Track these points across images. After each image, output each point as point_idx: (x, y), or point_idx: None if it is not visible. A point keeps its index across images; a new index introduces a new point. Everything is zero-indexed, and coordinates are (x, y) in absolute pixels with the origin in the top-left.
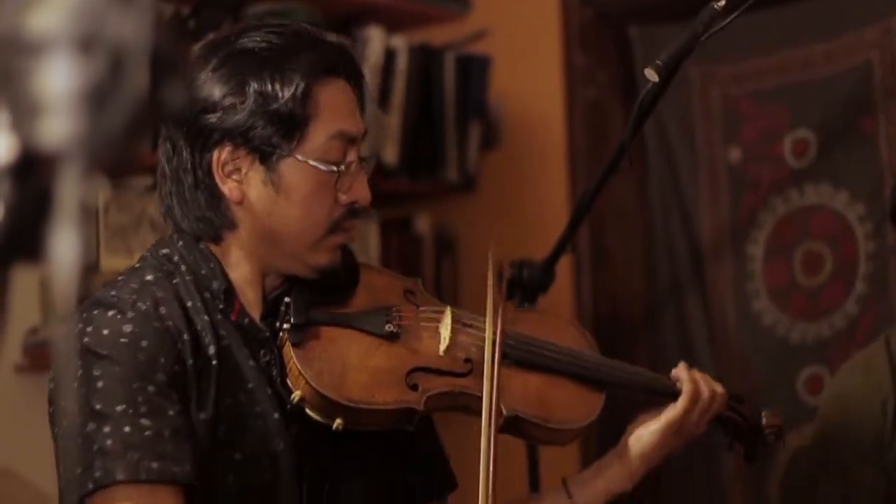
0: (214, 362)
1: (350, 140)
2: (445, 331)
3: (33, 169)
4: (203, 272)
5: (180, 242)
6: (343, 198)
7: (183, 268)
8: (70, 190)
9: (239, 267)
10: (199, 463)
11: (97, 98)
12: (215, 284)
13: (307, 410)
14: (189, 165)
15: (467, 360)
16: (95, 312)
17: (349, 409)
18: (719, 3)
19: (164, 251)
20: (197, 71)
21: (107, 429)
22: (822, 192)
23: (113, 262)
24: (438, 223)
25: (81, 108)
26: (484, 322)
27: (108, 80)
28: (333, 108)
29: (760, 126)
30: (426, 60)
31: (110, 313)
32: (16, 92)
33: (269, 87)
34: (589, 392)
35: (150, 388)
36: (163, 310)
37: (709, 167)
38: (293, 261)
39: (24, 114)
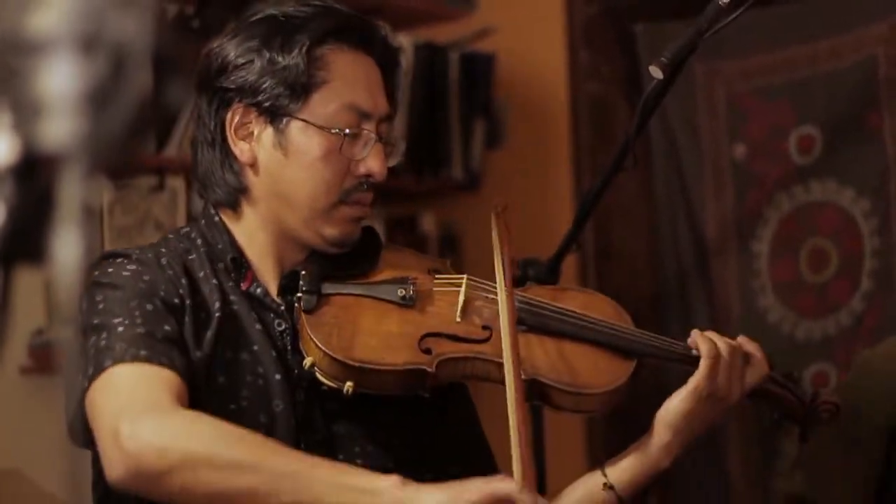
0: (217, 314)
1: (364, 115)
2: (461, 297)
3: (35, 170)
4: (219, 246)
5: (202, 221)
6: (357, 168)
7: (199, 241)
8: (72, 191)
9: (255, 237)
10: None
11: (99, 98)
12: (228, 256)
13: (319, 377)
14: (208, 129)
15: (486, 327)
16: (105, 262)
17: (359, 371)
18: (724, 0)
19: (185, 230)
20: (223, 38)
21: (104, 334)
22: (828, 188)
23: None
24: (443, 221)
25: (83, 109)
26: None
27: (110, 80)
28: (347, 78)
29: (766, 123)
30: (431, 58)
31: (118, 260)
32: (17, 92)
33: (276, 50)
34: (615, 358)
35: (148, 306)
36: (164, 261)
37: (714, 164)
38: (306, 229)
39: (26, 114)
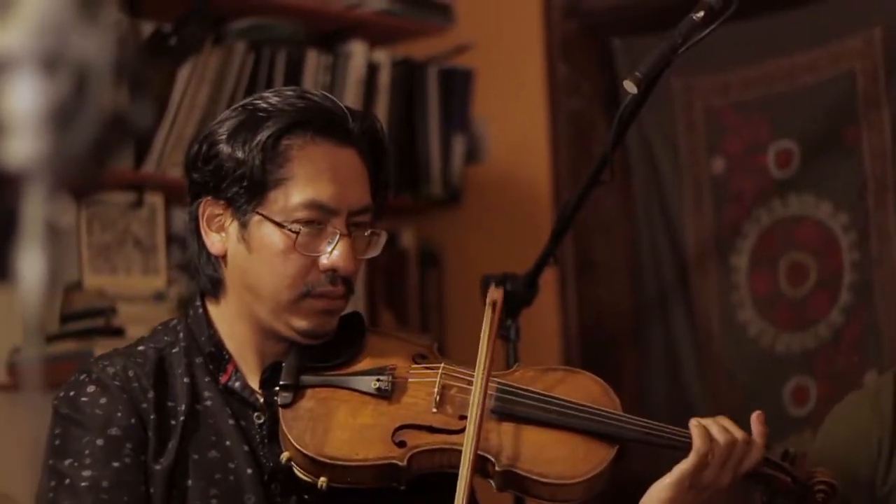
0: (182, 419)
1: (328, 210)
2: (437, 386)
3: None
4: (202, 338)
5: (190, 311)
6: (322, 263)
7: (181, 335)
8: (36, 209)
9: (235, 328)
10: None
11: (62, 117)
12: (208, 349)
13: (295, 471)
14: (189, 214)
15: (462, 417)
16: (73, 377)
17: (331, 467)
18: (698, 15)
19: (174, 322)
20: (210, 125)
21: (53, 483)
22: (806, 202)
23: (96, 281)
24: (423, 237)
25: (46, 127)
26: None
27: (73, 98)
28: (310, 173)
29: (743, 137)
30: (409, 74)
31: (82, 377)
32: None
33: (241, 142)
34: (596, 445)
35: (99, 442)
36: (131, 372)
37: (692, 178)
38: (276, 321)
39: None
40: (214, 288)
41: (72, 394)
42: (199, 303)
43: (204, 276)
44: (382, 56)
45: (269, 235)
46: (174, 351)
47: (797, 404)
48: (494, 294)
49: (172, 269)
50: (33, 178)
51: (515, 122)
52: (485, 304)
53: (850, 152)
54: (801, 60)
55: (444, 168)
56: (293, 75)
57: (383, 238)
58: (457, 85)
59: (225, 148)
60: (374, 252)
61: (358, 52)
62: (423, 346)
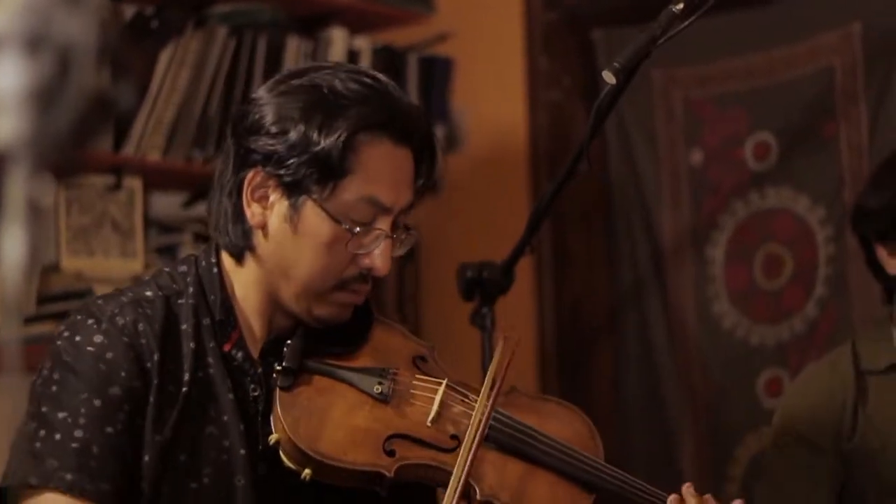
0: (185, 389)
1: (382, 209)
2: (436, 402)
3: None
4: (212, 297)
5: (203, 262)
6: (361, 259)
7: (191, 290)
8: (18, 189)
9: (249, 295)
10: (141, 483)
11: (44, 97)
12: (217, 312)
13: (281, 454)
14: (228, 178)
15: (454, 437)
16: (79, 318)
17: (318, 463)
18: (677, 7)
19: (182, 268)
20: (265, 91)
21: (42, 432)
22: (783, 195)
23: (74, 263)
24: None
25: (29, 108)
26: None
27: (56, 79)
28: (375, 171)
29: (722, 129)
30: (389, 62)
31: (89, 321)
32: None
33: (314, 130)
34: (574, 491)
35: (96, 402)
36: (141, 326)
37: (670, 170)
38: (296, 303)
39: None
40: (239, 251)
41: (77, 339)
42: (214, 259)
43: (230, 239)
44: (363, 43)
45: (320, 224)
46: (180, 302)
47: (771, 396)
48: (515, 335)
49: (150, 253)
50: (15, 157)
51: (495, 111)
52: (463, 295)
53: (828, 147)
54: (780, 55)
55: None
56: (273, 61)
57: (414, 237)
58: (437, 74)
59: (296, 128)
60: (403, 250)
61: (338, 39)
62: (426, 347)
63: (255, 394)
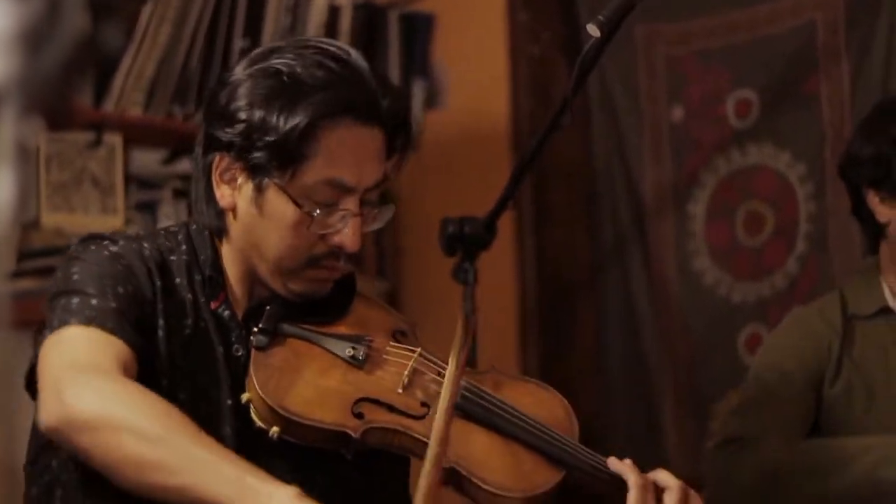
0: (188, 332)
1: (347, 189)
2: (409, 368)
3: None
4: (202, 257)
5: (193, 226)
6: (330, 238)
7: (184, 247)
8: (6, 130)
9: (231, 266)
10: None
11: (33, 39)
12: (207, 270)
13: (252, 413)
14: (199, 161)
15: (424, 404)
16: (86, 241)
17: (286, 420)
18: None
19: (174, 229)
20: (237, 72)
21: (75, 299)
22: (765, 152)
23: (54, 219)
24: None
25: (18, 49)
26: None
27: (45, 21)
28: (336, 154)
29: (704, 86)
30: (370, 18)
31: (104, 242)
32: None
33: (273, 117)
34: (544, 465)
35: (120, 289)
36: (147, 252)
37: (652, 126)
38: (272, 279)
39: None
40: (216, 230)
41: (93, 247)
42: (207, 232)
43: (206, 219)
44: (343, 0)
45: (284, 207)
46: (173, 258)
47: (751, 352)
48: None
49: (130, 209)
50: (4, 99)
51: (476, 67)
52: (444, 250)
53: (809, 103)
54: (763, 10)
55: None
56: (255, 18)
57: (390, 212)
58: (418, 30)
59: (256, 114)
60: (379, 224)
61: None
62: (407, 323)
63: (238, 354)
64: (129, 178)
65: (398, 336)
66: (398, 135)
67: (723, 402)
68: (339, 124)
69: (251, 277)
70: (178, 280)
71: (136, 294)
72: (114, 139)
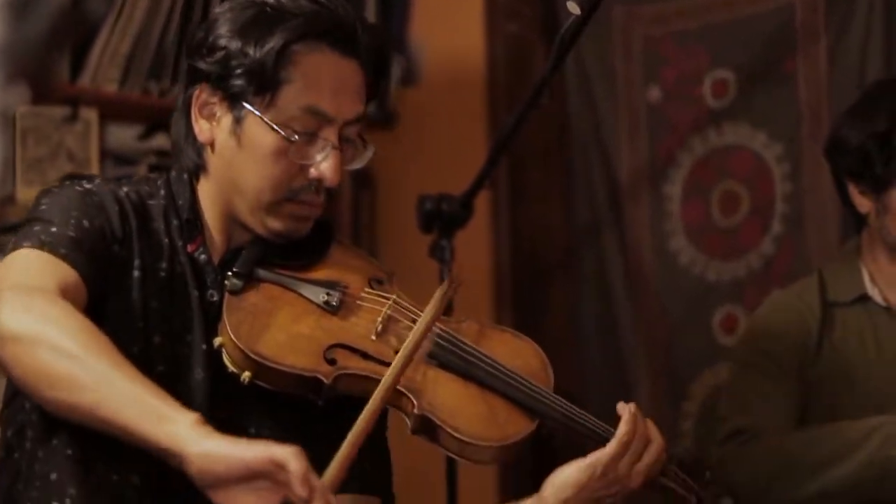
0: (163, 275)
1: (326, 119)
2: (383, 315)
3: None
4: (180, 202)
5: (172, 173)
6: (309, 171)
7: (163, 192)
8: None
9: (209, 208)
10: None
11: (19, 7)
12: (185, 214)
13: (224, 358)
14: (181, 97)
15: (398, 352)
16: (60, 185)
17: (258, 364)
18: None
19: (154, 176)
20: (218, 10)
21: (36, 227)
22: (741, 132)
23: (29, 194)
24: None
25: (3, 15)
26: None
27: None
28: (313, 80)
29: (680, 66)
30: None
31: (68, 182)
32: None
33: (251, 42)
34: (517, 415)
35: (85, 223)
36: (122, 193)
37: (628, 106)
38: (251, 216)
39: None
40: (195, 169)
41: (67, 183)
42: (186, 175)
43: (186, 158)
44: None
45: (262, 135)
46: (151, 202)
47: (726, 333)
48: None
49: None
50: None
51: (453, 43)
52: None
53: (786, 84)
54: None
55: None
56: None
57: (370, 152)
58: (395, 5)
59: (234, 42)
60: (360, 164)
61: None
62: (384, 271)
63: (213, 299)
64: (104, 154)
65: (374, 284)
66: (378, 74)
67: (698, 383)
68: (315, 49)
69: (230, 220)
70: (155, 224)
71: (102, 229)
72: (90, 114)
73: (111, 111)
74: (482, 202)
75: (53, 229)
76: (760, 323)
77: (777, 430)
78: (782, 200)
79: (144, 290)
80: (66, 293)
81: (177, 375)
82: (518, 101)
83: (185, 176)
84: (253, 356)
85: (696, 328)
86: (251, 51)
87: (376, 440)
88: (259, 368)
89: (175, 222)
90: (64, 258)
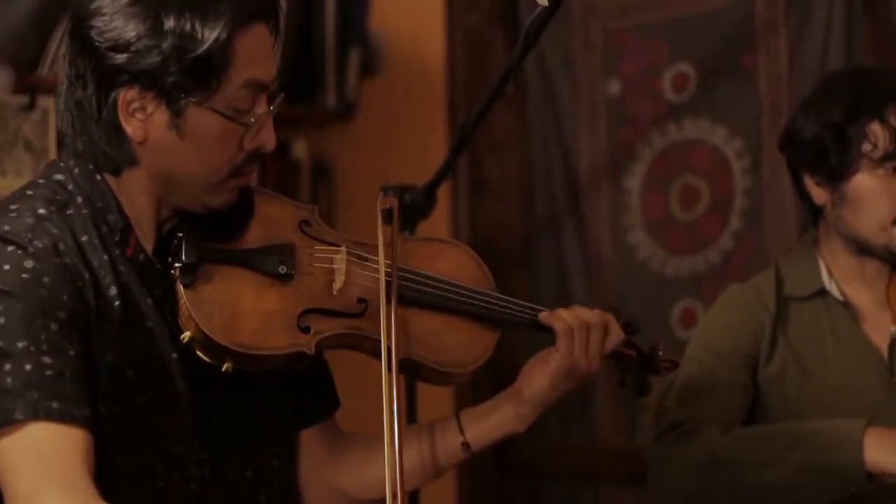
0: (117, 303)
1: (262, 88)
2: (340, 270)
3: None
4: (99, 205)
5: (76, 170)
6: (248, 144)
7: (79, 199)
8: None
9: (135, 201)
10: (102, 402)
11: None
12: (111, 218)
13: (197, 351)
14: (93, 101)
15: (361, 300)
16: (1, 249)
17: (239, 355)
18: None
19: (59, 177)
20: (108, 0)
21: (7, 366)
22: (701, 126)
23: None
24: (316, 149)
25: None
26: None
27: None
28: (251, 56)
29: (641, 60)
30: None
31: (10, 248)
32: None
33: (189, 31)
34: (483, 331)
35: (53, 326)
36: (61, 246)
37: (588, 100)
38: (190, 199)
39: None
40: (117, 167)
41: (7, 267)
42: (99, 176)
43: (104, 158)
44: None
45: (209, 124)
46: (69, 213)
47: (685, 327)
48: (387, 202)
49: None
50: None
51: (412, 35)
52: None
53: (747, 78)
54: None
55: (339, 81)
56: None
57: (282, 99)
58: None
59: (172, 39)
60: (276, 111)
61: None
62: (307, 209)
63: (159, 293)
64: (62, 143)
65: (304, 226)
66: (276, 25)
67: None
68: (244, 26)
69: (158, 208)
70: (84, 238)
71: (69, 319)
72: (47, 103)
73: None
74: (441, 194)
75: (28, 367)
76: (713, 319)
77: (715, 426)
78: (742, 195)
79: (104, 326)
80: (90, 464)
81: (161, 398)
82: (477, 92)
83: (98, 177)
84: (234, 348)
85: (654, 322)
86: (192, 45)
87: (321, 369)
88: (240, 358)
89: (104, 228)
90: (65, 420)
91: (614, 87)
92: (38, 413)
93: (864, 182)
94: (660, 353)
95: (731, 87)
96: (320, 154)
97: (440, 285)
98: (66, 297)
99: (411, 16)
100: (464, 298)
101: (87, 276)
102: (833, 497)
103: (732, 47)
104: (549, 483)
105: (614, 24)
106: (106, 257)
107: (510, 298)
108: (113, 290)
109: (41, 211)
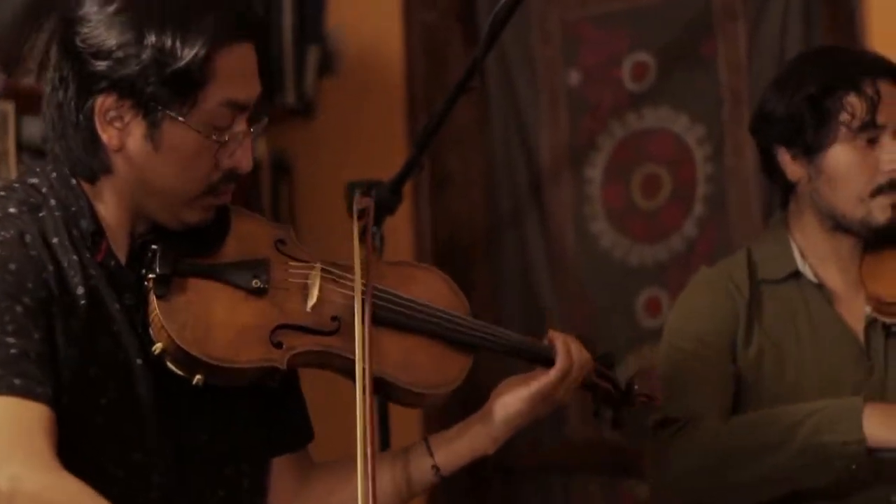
0: (83, 302)
1: (241, 108)
2: (314, 287)
3: None
4: (73, 209)
5: (53, 174)
6: (225, 163)
7: (52, 202)
8: None
9: (109, 209)
10: (63, 395)
11: None
12: (83, 223)
13: (168, 363)
14: (73, 105)
15: (334, 319)
16: None
17: (211, 367)
18: None
19: (33, 181)
20: (95, 8)
21: None
22: (662, 115)
23: None
24: (275, 148)
25: None
26: (354, 277)
27: None
28: (230, 75)
29: (600, 50)
30: None
31: None
32: None
33: (170, 44)
34: (457, 355)
35: (18, 308)
36: (27, 238)
37: (548, 91)
38: (164, 213)
39: None
40: (93, 174)
41: None
42: (74, 181)
43: (81, 165)
44: None
45: (184, 139)
46: (41, 215)
47: (650, 316)
48: (363, 202)
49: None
50: None
51: (370, 33)
52: (352, 214)
53: (706, 66)
54: None
55: (297, 79)
56: None
57: (264, 122)
58: None
59: (151, 50)
60: (255, 141)
61: None
62: (283, 229)
63: (130, 303)
64: (21, 147)
65: (279, 245)
66: (263, 47)
67: (622, 367)
68: (224, 44)
69: (134, 218)
70: (55, 240)
71: (34, 304)
72: (6, 107)
73: (28, 104)
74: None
75: (10, 353)
76: (688, 303)
77: (712, 418)
78: (704, 182)
79: (68, 324)
80: (52, 438)
81: (122, 401)
82: (435, 89)
83: (73, 181)
84: (206, 360)
85: (619, 312)
86: (171, 58)
87: (293, 392)
88: (212, 370)
89: (75, 232)
90: (27, 395)
91: (574, 77)
92: (1, 389)
93: (841, 154)
94: (635, 387)
95: (690, 74)
96: (280, 153)
97: (415, 306)
98: (30, 285)
99: (369, 14)
100: (438, 321)
101: (51, 268)
102: (835, 477)
103: (691, 35)
104: (520, 476)
105: (572, 15)
106: (76, 258)
107: (485, 323)
108: (80, 290)
109: (11, 210)
